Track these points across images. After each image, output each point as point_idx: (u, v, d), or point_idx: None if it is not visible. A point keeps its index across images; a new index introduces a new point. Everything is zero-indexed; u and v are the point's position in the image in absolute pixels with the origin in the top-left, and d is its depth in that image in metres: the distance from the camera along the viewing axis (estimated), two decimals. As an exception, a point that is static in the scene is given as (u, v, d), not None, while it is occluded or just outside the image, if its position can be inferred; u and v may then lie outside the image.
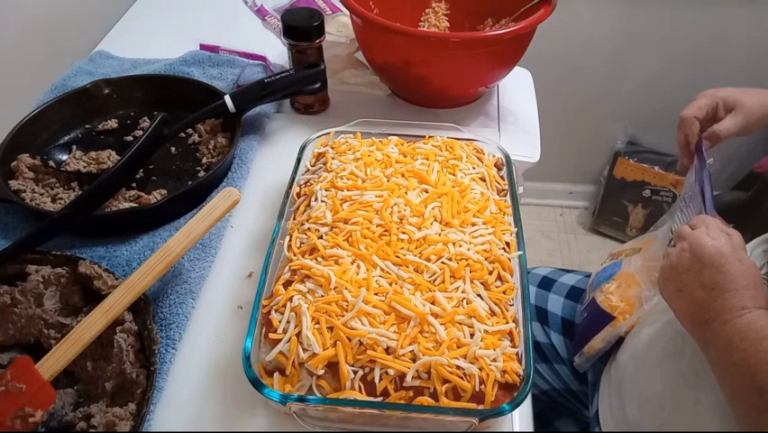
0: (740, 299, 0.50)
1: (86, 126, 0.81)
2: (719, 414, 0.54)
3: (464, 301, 0.51)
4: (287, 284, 0.53)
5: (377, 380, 0.46)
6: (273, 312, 0.51)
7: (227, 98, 0.75)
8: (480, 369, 0.47)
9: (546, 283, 0.87)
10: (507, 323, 0.50)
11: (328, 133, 0.70)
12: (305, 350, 0.47)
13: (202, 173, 0.74)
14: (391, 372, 0.46)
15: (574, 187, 1.92)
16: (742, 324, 0.49)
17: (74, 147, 0.77)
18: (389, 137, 0.68)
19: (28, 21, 0.89)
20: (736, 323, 0.49)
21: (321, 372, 0.47)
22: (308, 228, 0.57)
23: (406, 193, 0.60)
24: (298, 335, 0.48)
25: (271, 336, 0.49)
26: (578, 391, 0.82)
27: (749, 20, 1.45)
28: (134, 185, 0.72)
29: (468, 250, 0.54)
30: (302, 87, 0.80)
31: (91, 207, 0.64)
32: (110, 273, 0.58)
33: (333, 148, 0.67)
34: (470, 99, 0.88)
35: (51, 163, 0.73)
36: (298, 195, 0.63)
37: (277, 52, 0.96)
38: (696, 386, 0.57)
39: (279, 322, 0.49)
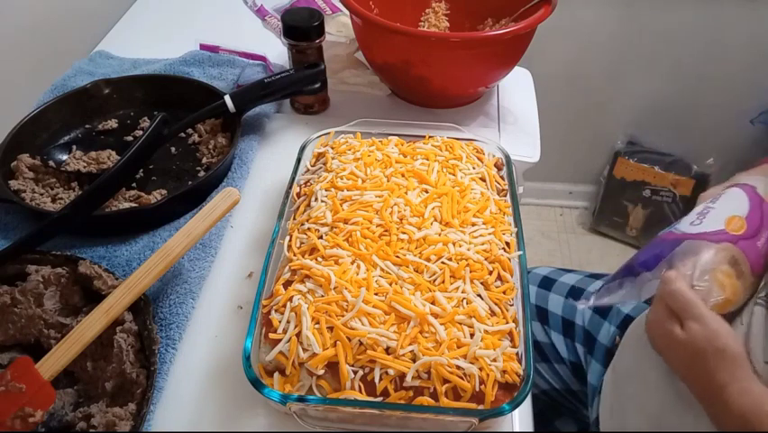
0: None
1: (86, 126, 0.81)
2: None
3: (464, 301, 0.51)
4: (287, 284, 0.53)
5: (377, 380, 0.46)
6: (273, 312, 0.51)
7: (227, 98, 0.75)
8: (480, 369, 0.47)
9: (547, 283, 0.87)
10: (507, 323, 0.50)
11: (328, 133, 0.70)
12: (305, 350, 0.47)
13: (202, 173, 0.74)
14: (391, 372, 0.46)
15: (574, 187, 1.92)
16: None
17: (74, 147, 0.77)
18: (389, 137, 0.68)
19: (28, 21, 0.89)
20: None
21: (321, 372, 0.47)
22: (308, 228, 0.57)
23: (406, 193, 0.60)
24: (298, 335, 0.48)
25: (271, 336, 0.49)
26: (578, 391, 0.82)
27: (749, 20, 1.45)
28: (134, 185, 0.72)
29: (468, 250, 0.54)
30: (302, 87, 0.80)
31: (91, 207, 0.64)
32: (110, 273, 0.58)
33: (333, 148, 0.67)
34: (470, 99, 0.88)
35: (51, 163, 0.73)
36: (298, 195, 0.63)
37: (277, 52, 0.96)
38: (691, 408, 0.57)
39: (279, 322, 0.49)
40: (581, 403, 0.82)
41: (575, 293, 0.84)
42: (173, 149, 0.78)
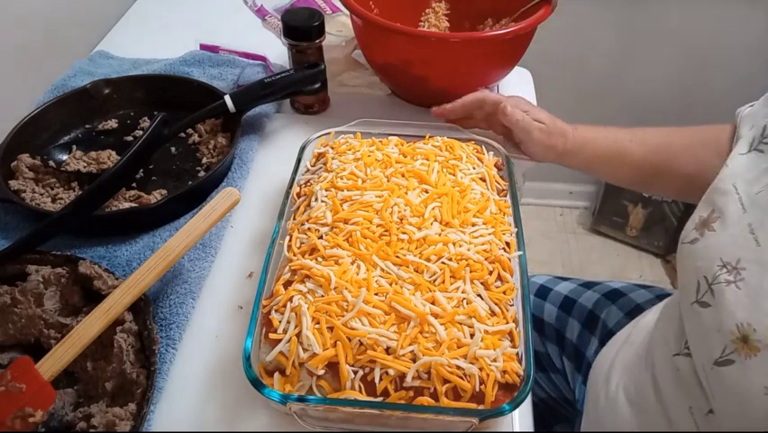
0: None
1: (86, 126, 0.81)
2: None
3: (464, 301, 0.51)
4: (287, 284, 0.53)
5: (377, 380, 0.46)
6: (273, 312, 0.51)
7: (227, 98, 0.75)
8: (481, 369, 0.47)
9: (543, 292, 0.87)
10: (508, 323, 0.50)
11: (328, 134, 0.70)
12: (305, 350, 0.47)
13: (202, 173, 0.74)
14: (391, 372, 0.46)
15: (574, 187, 1.92)
16: None
17: (74, 147, 0.77)
18: (389, 137, 0.68)
19: (28, 21, 0.89)
20: None
21: (321, 372, 0.47)
22: (308, 228, 0.57)
23: (406, 193, 0.60)
24: (298, 335, 0.48)
25: (271, 336, 0.49)
26: (573, 401, 0.82)
27: (749, 20, 1.45)
28: (134, 185, 0.72)
29: (468, 250, 0.54)
30: (302, 87, 0.80)
31: (91, 207, 0.64)
32: (110, 273, 0.58)
33: (333, 148, 0.67)
34: (470, 99, 0.88)
35: (51, 163, 0.73)
36: (298, 195, 0.63)
37: (277, 52, 0.96)
38: None
39: (279, 322, 0.49)
40: (578, 411, 0.82)
41: (567, 304, 0.84)
42: (173, 149, 0.78)
